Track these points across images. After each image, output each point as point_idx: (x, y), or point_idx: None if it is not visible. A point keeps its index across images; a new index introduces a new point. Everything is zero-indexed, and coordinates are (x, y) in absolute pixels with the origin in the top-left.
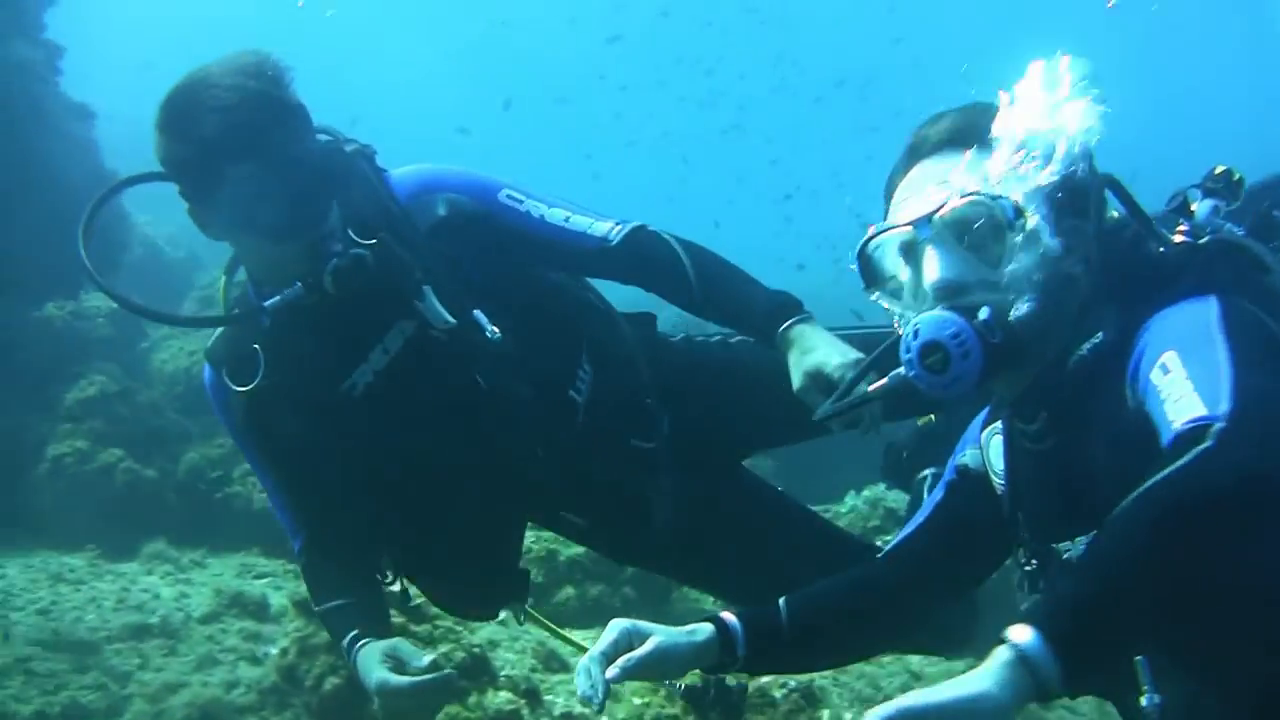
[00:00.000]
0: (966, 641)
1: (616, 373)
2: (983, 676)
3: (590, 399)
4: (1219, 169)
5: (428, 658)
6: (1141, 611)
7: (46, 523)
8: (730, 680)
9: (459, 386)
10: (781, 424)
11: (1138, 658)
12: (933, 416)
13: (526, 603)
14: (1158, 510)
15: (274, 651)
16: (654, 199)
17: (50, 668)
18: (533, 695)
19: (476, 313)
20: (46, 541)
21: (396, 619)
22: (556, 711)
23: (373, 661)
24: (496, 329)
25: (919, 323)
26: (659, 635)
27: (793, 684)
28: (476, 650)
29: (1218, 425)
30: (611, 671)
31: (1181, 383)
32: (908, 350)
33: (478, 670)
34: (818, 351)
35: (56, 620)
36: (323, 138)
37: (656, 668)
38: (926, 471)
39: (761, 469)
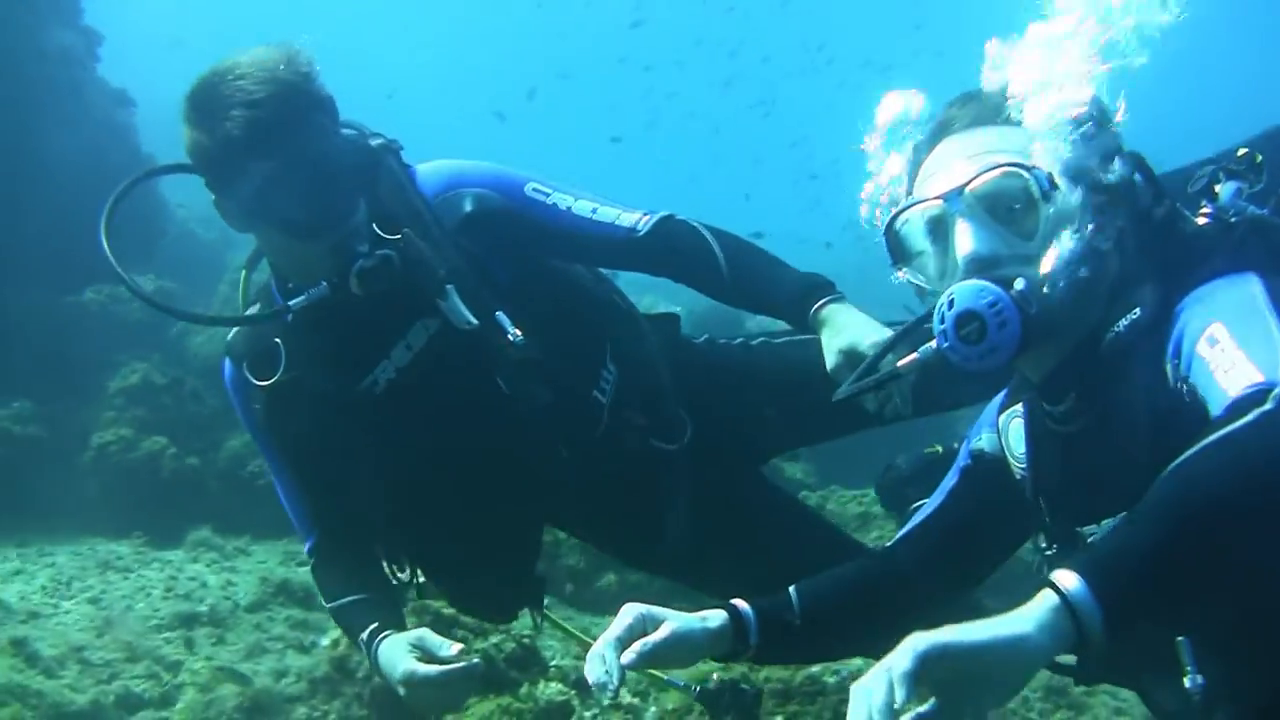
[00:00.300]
0: None
1: (640, 374)
2: (1025, 619)
3: (614, 400)
4: (1241, 151)
5: (454, 647)
6: (1194, 570)
7: (92, 510)
8: (745, 684)
9: (479, 388)
10: (807, 423)
11: (1179, 638)
12: (939, 448)
13: (542, 606)
14: (1218, 468)
15: (324, 642)
16: (679, 179)
17: (103, 657)
18: (582, 685)
19: (499, 314)
20: (93, 529)
21: (446, 609)
22: (605, 702)
23: (398, 652)
24: (519, 332)
25: (954, 293)
26: (673, 621)
27: (845, 671)
28: (526, 640)
29: (1278, 390)
30: (627, 657)
31: (1233, 352)
32: (942, 321)
33: (528, 661)
34: (850, 330)
35: (107, 609)
36: (348, 133)
37: (671, 654)
38: (921, 502)
39: (800, 457)
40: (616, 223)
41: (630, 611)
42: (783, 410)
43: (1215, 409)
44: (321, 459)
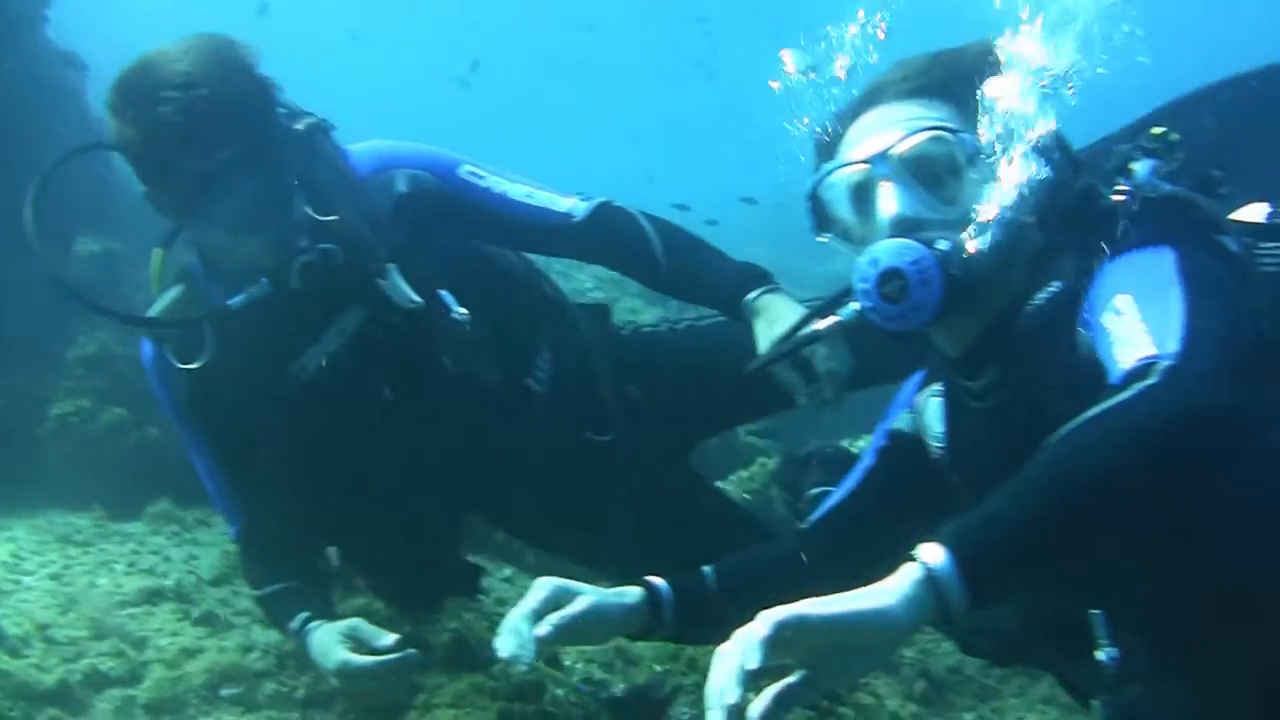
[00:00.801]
0: None
1: (573, 363)
2: (888, 592)
3: (549, 389)
4: (1156, 129)
5: (390, 638)
6: (1061, 544)
7: (50, 483)
8: (656, 691)
9: (422, 370)
10: (738, 404)
11: (1094, 612)
12: (851, 447)
13: (476, 596)
14: (1093, 440)
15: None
16: (617, 139)
17: (69, 634)
18: (553, 661)
19: (443, 293)
20: (51, 501)
21: None
22: (575, 678)
23: (330, 642)
24: (464, 310)
25: (877, 251)
26: (589, 595)
27: None
28: (500, 618)
29: (1164, 363)
30: (542, 629)
31: (1133, 324)
32: (865, 280)
33: None
34: (786, 319)
35: (70, 585)
36: (280, 110)
37: (586, 628)
38: (818, 489)
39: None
40: (552, 207)
41: (545, 585)
42: (714, 389)
43: (1111, 377)
44: (247, 445)
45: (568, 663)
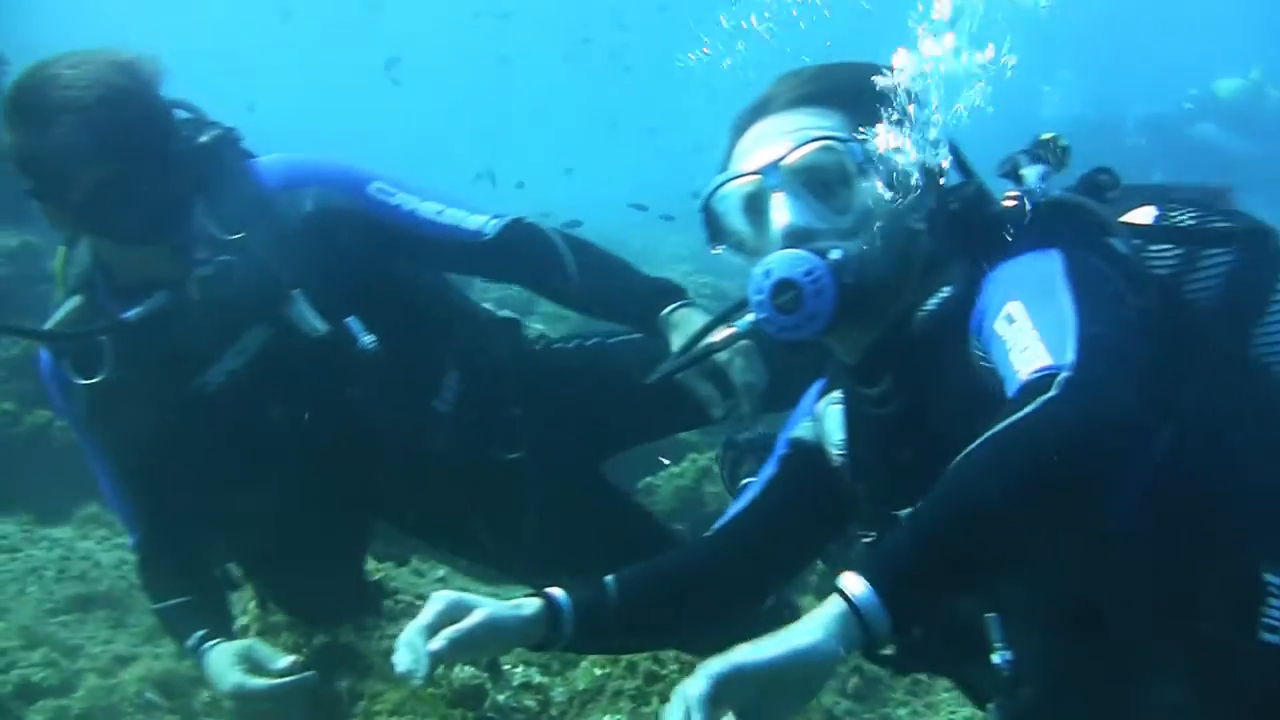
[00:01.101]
0: None
1: (482, 382)
2: (814, 628)
3: (456, 409)
4: (1046, 136)
5: (286, 659)
6: (974, 564)
7: None
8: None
9: (320, 395)
10: (651, 420)
11: (988, 615)
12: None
13: (379, 613)
14: (999, 458)
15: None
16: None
17: None
18: (494, 668)
19: (350, 320)
20: None
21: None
22: (515, 682)
23: (226, 663)
24: (372, 336)
25: (770, 262)
26: (485, 608)
27: None
28: None
29: (1063, 374)
30: (436, 644)
31: (1027, 333)
32: (759, 291)
33: None
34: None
35: None
36: (181, 113)
37: (482, 641)
38: (749, 479)
39: None
40: (462, 225)
41: (440, 599)
42: (626, 404)
43: (1009, 389)
44: (147, 457)
45: (506, 666)
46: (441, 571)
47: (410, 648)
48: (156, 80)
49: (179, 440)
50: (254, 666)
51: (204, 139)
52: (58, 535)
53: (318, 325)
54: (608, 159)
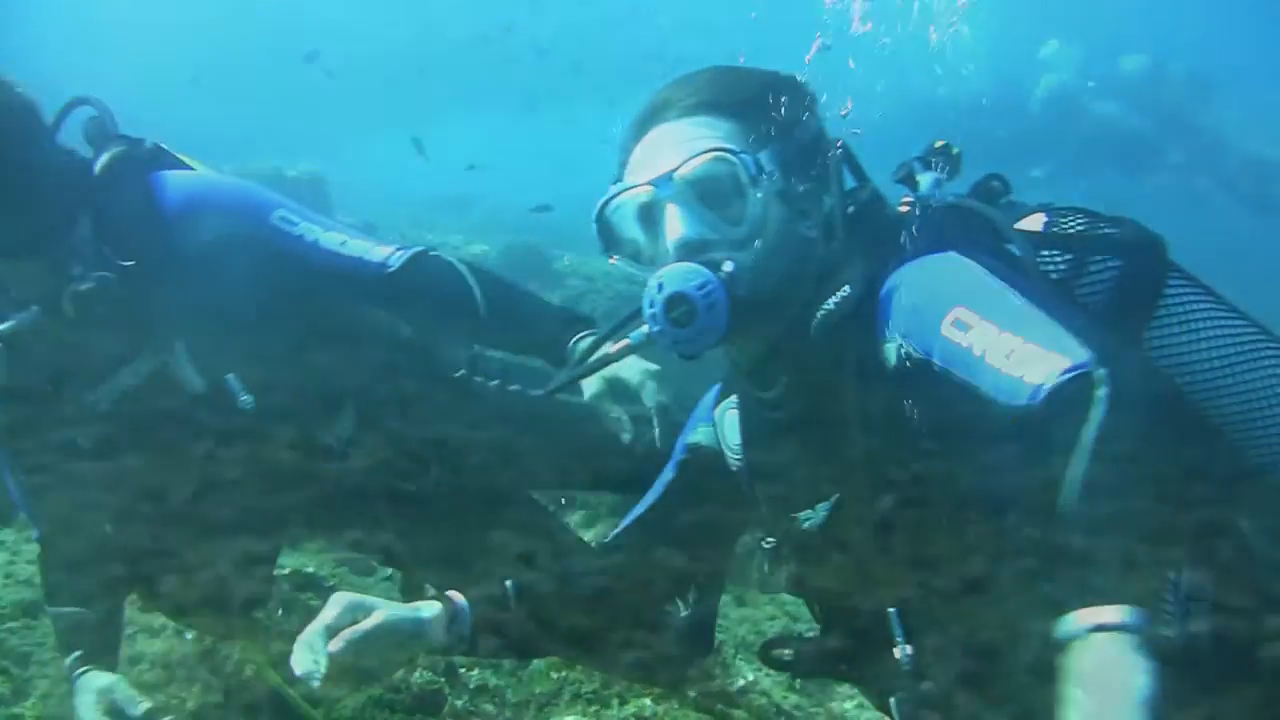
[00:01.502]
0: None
1: (384, 412)
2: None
3: (352, 440)
4: (939, 143)
5: (144, 705)
6: None
7: None
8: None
9: (211, 434)
10: (565, 466)
11: (889, 610)
12: None
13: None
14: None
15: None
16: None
17: None
18: (451, 672)
19: (230, 378)
20: None
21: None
22: (473, 685)
23: (88, 701)
24: (249, 397)
25: (663, 276)
26: (384, 610)
27: None
28: None
29: (1092, 371)
30: (335, 645)
31: (999, 336)
32: (652, 304)
33: None
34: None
35: None
36: (87, 108)
37: (381, 643)
38: None
39: None
40: (365, 257)
41: (339, 600)
42: (541, 446)
43: (1010, 396)
44: (42, 465)
45: (462, 670)
46: (389, 571)
47: (309, 649)
48: (16, 85)
49: (74, 450)
50: (111, 709)
51: (104, 158)
52: (1, 538)
53: (197, 383)
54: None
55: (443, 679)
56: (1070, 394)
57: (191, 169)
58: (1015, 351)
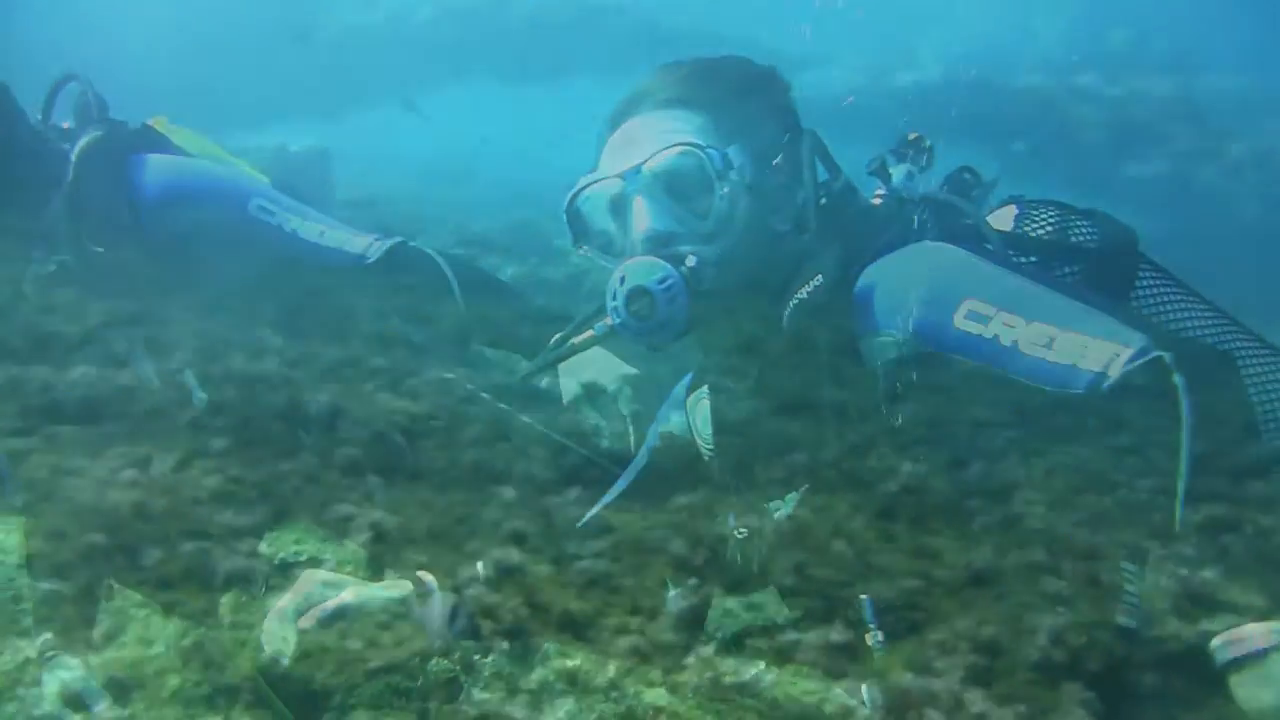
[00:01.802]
0: None
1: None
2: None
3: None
4: (912, 135)
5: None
6: None
7: None
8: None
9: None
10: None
11: (862, 598)
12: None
13: None
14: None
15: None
16: None
17: None
18: (467, 660)
19: (186, 373)
20: None
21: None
22: (487, 673)
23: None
24: (203, 395)
25: (625, 270)
26: (353, 589)
27: None
28: None
29: (1154, 353)
30: (305, 623)
31: (1026, 327)
32: (614, 297)
33: None
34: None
35: None
36: (78, 87)
37: (353, 622)
38: None
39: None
40: (344, 249)
41: (309, 579)
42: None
43: (1060, 383)
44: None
45: (476, 657)
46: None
47: (279, 626)
48: None
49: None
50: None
51: (83, 138)
52: None
53: (153, 380)
54: None
55: (458, 667)
56: (1143, 378)
57: (176, 152)
58: (1056, 339)
